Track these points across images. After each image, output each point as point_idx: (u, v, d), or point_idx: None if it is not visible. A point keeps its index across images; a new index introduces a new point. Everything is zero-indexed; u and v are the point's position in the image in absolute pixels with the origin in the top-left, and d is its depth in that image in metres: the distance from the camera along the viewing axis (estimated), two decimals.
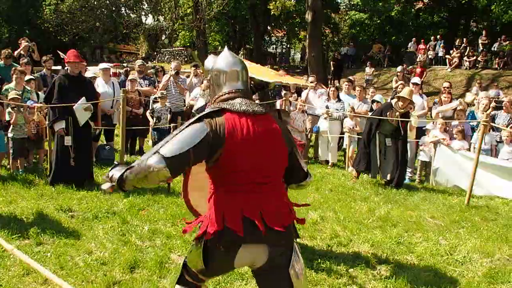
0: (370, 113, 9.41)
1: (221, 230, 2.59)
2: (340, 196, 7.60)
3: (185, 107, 10.08)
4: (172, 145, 2.53)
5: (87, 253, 4.79)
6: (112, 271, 4.39)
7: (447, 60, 24.32)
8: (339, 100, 10.29)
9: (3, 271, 4.28)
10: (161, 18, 37.23)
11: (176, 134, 2.61)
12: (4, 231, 5.04)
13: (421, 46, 25.94)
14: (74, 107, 7.10)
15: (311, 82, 10.86)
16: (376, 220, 6.33)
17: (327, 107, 10.12)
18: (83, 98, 7.19)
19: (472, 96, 12.38)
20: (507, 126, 8.77)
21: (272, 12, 24.56)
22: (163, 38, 42.13)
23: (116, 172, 2.69)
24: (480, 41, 24.97)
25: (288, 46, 41.02)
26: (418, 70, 19.37)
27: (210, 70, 2.96)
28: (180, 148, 2.50)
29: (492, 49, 24.46)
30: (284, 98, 10.50)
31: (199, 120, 2.64)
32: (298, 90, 11.74)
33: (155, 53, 37.82)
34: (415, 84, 10.08)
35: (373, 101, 10.11)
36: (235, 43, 38.49)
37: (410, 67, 22.81)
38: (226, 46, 3.27)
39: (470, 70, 23.08)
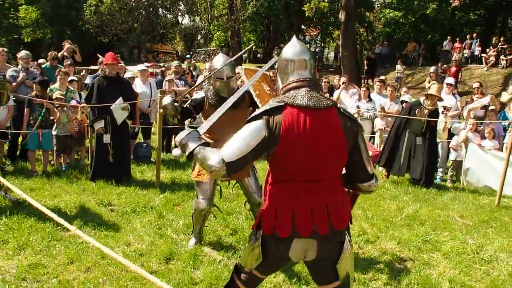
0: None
1: (274, 224, 2.74)
2: (370, 194, 7.70)
3: None
4: (232, 148, 2.61)
5: (126, 245, 5.10)
6: (149, 262, 4.67)
7: (483, 58, 23.90)
8: (370, 100, 10.37)
9: (50, 259, 4.62)
10: (197, 18, 37.72)
11: (238, 133, 2.69)
12: (50, 223, 5.38)
13: (457, 44, 25.54)
14: (111, 107, 7.42)
15: (342, 83, 10.97)
16: (404, 219, 6.45)
17: (357, 106, 10.22)
18: (120, 98, 7.49)
19: (508, 96, 12.20)
20: None
21: (307, 14, 24.61)
22: (198, 38, 42.72)
23: (189, 144, 2.78)
24: None
25: (322, 45, 40.96)
26: (453, 69, 19.14)
27: (278, 59, 2.97)
28: (239, 153, 2.60)
29: None
30: None
31: (258, 117, 2.67)
32: (330, 90, 11.86)
33: (191, 52, 38.31)
34: (449, 84, 10.07)
35: (402, 102, 10.15)
36: (269, 42, 38.67)
37: (445, 66, 22.55)
38: (294, 36, 3.29)
39: (507, 69, 22.64)
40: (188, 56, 25.60)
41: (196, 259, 4.77)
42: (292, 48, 2.90)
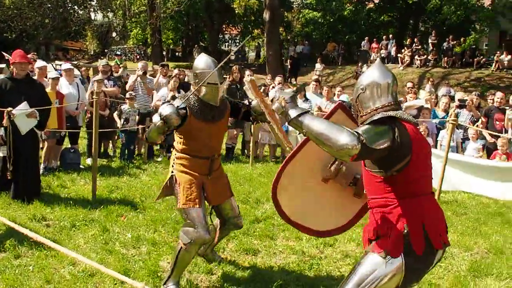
0: None
1: (424, 241, 2.68)
2: None
3: (152, 108, 9.82)
4: (368, 134, 2.51)
5: (72, 265, 4.57)
6: (103, 283, 4.21)
7: (399, 58, 24.94)
8: (306, 99, 10.32)
9: None
10: (110, 15, 36.30)
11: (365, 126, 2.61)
12: None
13: (374, 45, 26.51)
14: (12, 112, 6.25)
15: (279, 82, 10.83)
16: None
17: None
18: (24, 103, 6.35)
19: (426, 94, 12.67)
20: (473, 124, 9.08)
21: (237, 11, 24.44)
22: (113, 35, 41.14)
23: (291, 111, 2.68)
24: (430, 41, 25.77)
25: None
26: None
27: (363, 81, 2.85)
28: (376, 143, 2.52)
29: (441, 48, 25.25)
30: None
31: (382, 122, 2.63)
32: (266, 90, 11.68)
33: (105, 50, 36.91)
34: None
35: (343, 102, 10.19)
36: (189, 40, 38.12)
37: (365, 65, 23.26)
38: (378, 58, 3.25)
39: (421, 68, 23.78)
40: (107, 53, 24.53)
41: (155, 276, 4.37)
42: (379, 72, 2.85)
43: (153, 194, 7.05)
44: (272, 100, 2.98)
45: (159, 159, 9.69)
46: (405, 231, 2.66)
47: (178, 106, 3.96)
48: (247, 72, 11.41)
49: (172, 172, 4.22)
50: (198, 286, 4.28)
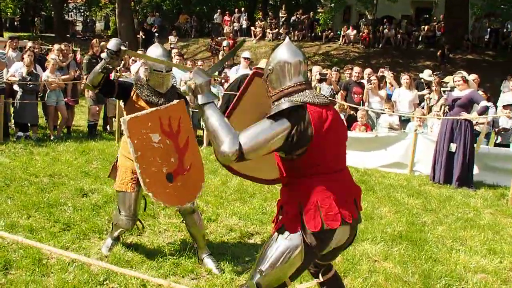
0: None
1: (320, 218, 2.64)
2: None
3: (5, 84, 9.02)
4: (252, 140, 2.54)
5: None
6: None
7: (252, 32, 25.68)
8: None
9: None
10: None
11: (260, 125, 2.60)
12: None
13: (227, 18, 26.89)
14: None
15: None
16: (234, 193, 6.62)
17: None
18: None
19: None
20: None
21: None
22: None
23: (200, 96, 2.69)
24: (280, 15, 26.82)
25: (88, 14, 38.75)
26: (231, 42, 20.04)
27: (270, 61, 2.81)
28: (258, 148, 2.56)
29: (291, 22, 26.44)
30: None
31: (284, 116, 2.60)
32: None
33: None
34: (246, 58, 10.64)
35: None
36: (29, 9, 35.12)
37: (219, 38, 23.62)
38: (287, 37, 3.14)
39: (273, 41, 24.74)
40: None
41: (41, 264, 4.17)
42: (287, 51, 2.82)
43: (18, 177, 6.60)
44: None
45: (15, 138, 8.98)
46: (301, 209, 2.69)
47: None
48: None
49: (118, 154, 4.51)
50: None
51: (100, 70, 4.07)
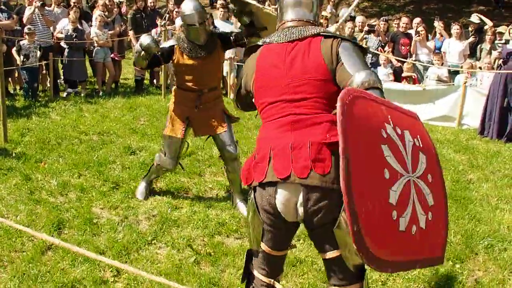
0: None
1: (251, 170, 2.41)
2: None
3: (53, 42, 9.18)
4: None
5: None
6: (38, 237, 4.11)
7: None
8: (215, 27, 10.11)
9: None
10: None
11: None
12: None
13: None
14: None
15: None
16: None
17: None
18: None
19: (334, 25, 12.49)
20: (378, 49, 9.46)
21: None
22: None
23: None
24: None
25: None
26: None
27: None
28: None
29: None
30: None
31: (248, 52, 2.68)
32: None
33: None
34: None
35: None
36: None
37: None
38: None
39: None
40: None
41: (92, 224, 4.34)
42: None
43: (69, 135, 6.80)
44: None
45: (65, 94, 9.22)
46: (249, 159, 2.46)
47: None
48: None
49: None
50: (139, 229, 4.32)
51: (142, 58, 4.37)
